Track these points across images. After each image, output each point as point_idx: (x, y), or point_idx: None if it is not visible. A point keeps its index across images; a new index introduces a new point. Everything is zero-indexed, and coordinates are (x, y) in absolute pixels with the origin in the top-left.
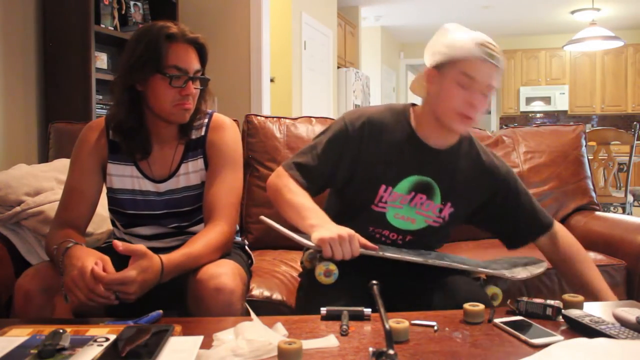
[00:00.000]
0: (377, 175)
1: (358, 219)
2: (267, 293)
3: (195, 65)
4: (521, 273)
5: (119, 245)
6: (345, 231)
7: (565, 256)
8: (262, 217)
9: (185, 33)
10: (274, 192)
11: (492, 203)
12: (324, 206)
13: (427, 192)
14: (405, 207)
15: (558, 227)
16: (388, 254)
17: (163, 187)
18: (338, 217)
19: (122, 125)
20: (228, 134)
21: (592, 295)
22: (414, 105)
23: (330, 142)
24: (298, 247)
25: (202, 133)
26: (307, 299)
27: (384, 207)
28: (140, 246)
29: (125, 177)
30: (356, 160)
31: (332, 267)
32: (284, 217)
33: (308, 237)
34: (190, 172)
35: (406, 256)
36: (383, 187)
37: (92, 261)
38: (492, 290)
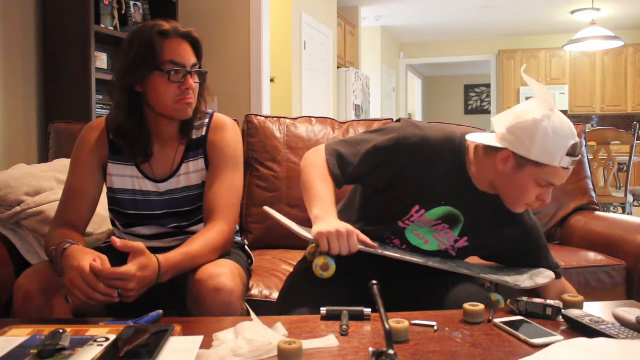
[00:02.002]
0: (414, 195)
1: (377, 224)
2: (266, 293)
3: (191, 59)
4: (526, 282)
5: (117, 241)
6: (344, 227)
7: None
8: (266, 208)
9: (178, 28)
10: (305, 165)
11: (508, 251)
12: (346, 197)
13: (452, 223)
14: (426, 228)
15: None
16: (388, 253)
17: (163, 187)
18: (358, 215)
19: (122, 128)
20: (229, 134)
21: None
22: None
23: (376, 149)
24: (298, 246)
25: (203, 133)
26: (290, 287)
27: (409, 224)
28: (139, 244)
29: (125, 177)
30: (397, 175)
31: (330, 261)
32: (301, 190)
33: (308, 230)
34: (191, 172)
35: (406, 256)
36: (417, 207)
37: (90, 259)
38: (494, 297)
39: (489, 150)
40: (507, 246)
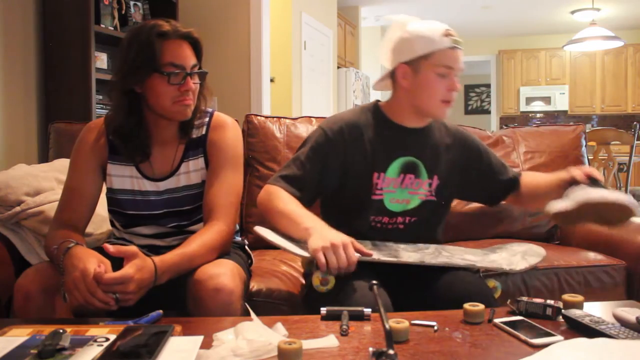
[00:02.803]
0: (367, 166)
1: (360, 214)
2: (267, 293)
3: (191, 60)
4: (520, 264)
5: (110, 247)
6: (339, 238)
7: (532, 186)
8: (257, 228)
9: (178, 29)
10: (264, 206)
11: (470, 166)
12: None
13: (414, 171)
14: (398, 190)
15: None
16: (384, 259)
17: (163, 185)
18: (339, 219)
19: (121, 128)
20: (229, 133)
21: (557, 187)
22: (378, 101)
23: (314, 150)
24: None
25: (203, 132)
26: (312, 298)
27: (381, 193)
28: (132, 247)
29: (125, 177)
30: (344, 161)
31: (330, 276)
32: (277, 228)
33: (303, 246)
34: (191, 171)
35: (402, 259)
36: (376, 174)
37: (95, 263)
38: (491, 283)
39: (392, 81)
40: (468, 162)
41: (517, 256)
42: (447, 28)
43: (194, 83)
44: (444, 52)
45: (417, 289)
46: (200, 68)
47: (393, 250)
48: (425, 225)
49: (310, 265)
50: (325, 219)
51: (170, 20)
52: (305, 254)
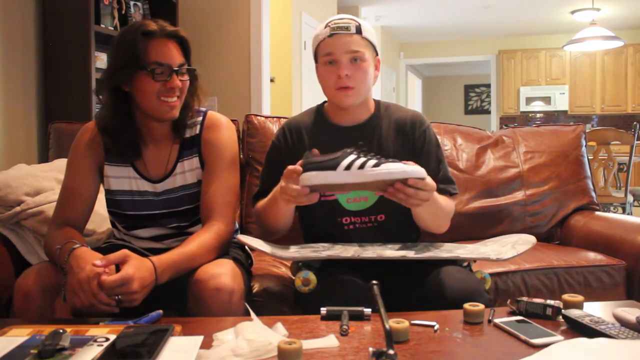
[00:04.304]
0: None
1: (320, 216)
2: (267, 293)
3: (177, 58)
4: (508, 253)
5: (98, 262)
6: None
7: None
8: (239, 236)
9: (164, 28)
10: (259, 225)
11: (419, 151)
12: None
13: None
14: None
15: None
16: (365, 255)
17: (160, 186)
18: (313, 226)
19: (109, 127)
20: (224, 132)
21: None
22: (325, 102)
23: (270, 161)
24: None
25: (197, 131)
26: (298, 299)
27: (332, 194)
28: (121, 250)
29: (122, 178)
30: (294, 162)
31: (310, 276)
32: (274, 224)
33: (284, 250)
34: (187, 171)
35: (385, 252)
36: None
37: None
38: (479, 275)
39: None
40: (418, 146)
41: (507, 246)
42: (335, 18)
43: (181, 80)
44: (325, 42)
45: (407, 287)
46: (190, 66)
47: (379, 250)
48: (400, 220)
49: (294, 267)
50: (303, 229)
51: (158, 20)
52: (284, 255)
